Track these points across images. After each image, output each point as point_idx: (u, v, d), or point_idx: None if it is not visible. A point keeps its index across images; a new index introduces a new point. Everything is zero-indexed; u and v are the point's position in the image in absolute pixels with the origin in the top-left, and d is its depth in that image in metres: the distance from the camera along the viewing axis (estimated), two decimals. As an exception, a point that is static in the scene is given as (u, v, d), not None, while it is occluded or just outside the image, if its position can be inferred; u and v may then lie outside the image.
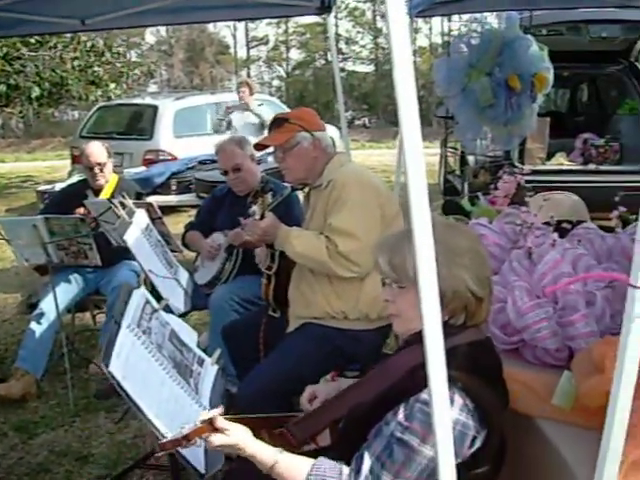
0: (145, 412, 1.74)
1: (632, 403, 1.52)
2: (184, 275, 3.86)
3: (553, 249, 2.58)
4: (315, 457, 1.80)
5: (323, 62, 33.11)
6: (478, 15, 4.82)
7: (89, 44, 11.82)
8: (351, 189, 2.85)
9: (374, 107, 30.36)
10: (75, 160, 9.36)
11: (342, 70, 31.46)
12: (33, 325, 4.27)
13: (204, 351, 2.44)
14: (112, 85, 12.35)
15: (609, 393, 1.54)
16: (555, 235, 2.76)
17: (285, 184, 3.75)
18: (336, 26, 31.39)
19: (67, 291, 4.46)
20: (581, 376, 2.07)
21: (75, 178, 6.58)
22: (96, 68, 11.99)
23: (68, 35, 10.90)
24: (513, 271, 2.63)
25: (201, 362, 2.24)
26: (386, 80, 32.63)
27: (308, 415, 2.01)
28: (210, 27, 32.06)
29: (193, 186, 7.53)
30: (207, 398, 2.12)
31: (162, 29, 30.21)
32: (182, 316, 3.23)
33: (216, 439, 1.70)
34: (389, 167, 11.86)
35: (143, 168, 8.66)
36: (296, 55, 35.28)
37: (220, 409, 1.73)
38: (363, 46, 33.56)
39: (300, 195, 3.66)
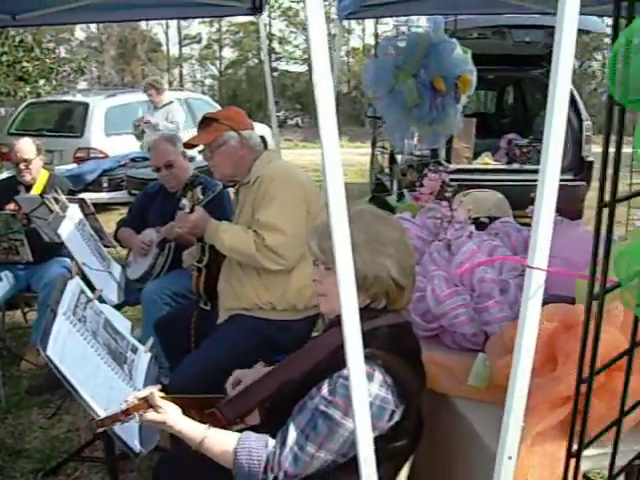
0: (81, 394, 1.81)
1: (533, 381, 1.67)
2: (117, 269, 3.90)
3: (470, 240, 2.74)
4: None
5: (256, 61, 33.14)
6: (407, 18, 4.99)
7: (17, 39, 11.60)
8: (278, 185, 2.96)
9: (307, 107, 30.54)
10: (3, 157, 9.21)
11: (275, 70, 31.52)
12: (-37, 323, 4.25)
13: (138, 342, 2.51)
14: (41, 81, 12.16)
15: None
16: (472, 227, 2.93)
17: (216, 182, 3.85)
18: (269, 26, 31.44)
19: (-3, 288, 4.43)
20: (494, 357, 2.23)
21: (4, 174, 6.50)
22: (25, 64, 11.79)
23: (-4, 30, 10.70)
24: (433, 262, 2.78)
25: (134, 350, 2.32)
26: (319, 80, 32.84)
27: (238, 395, 2.10)
28: (142, 24, 31.67)
29: (125, 183, 7.53)
30: (141, 384, 2.19)
31: (92, 25, 29.73)
32: (115, 309, 3.28)
33: (150, 416, 1.79)
34: (321, 167, 12.01)
35: (74, 165, 8.59)
36: (229, 54, 35.27)
37: (156, 387, 1.82)
38: (296, 46, 33.76)
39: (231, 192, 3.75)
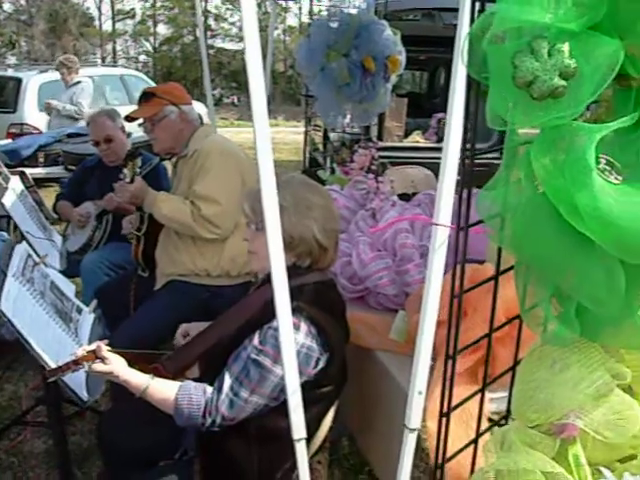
0: (34, 346, 1.95)
1: (445, 332, 1.87)
2: (58, 238, 3.98)
3: (393, 209, 2.95)
4: None
5: (192, 38, 32.75)
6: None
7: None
8: (214, 158, 3.11)
9: (243, 85, 30.43)
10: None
11: (211, 47, 31.18)
12: None
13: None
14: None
15: (439, 322, 1.88)
16: (396, 198, 3.14)
17: (153, 156, 3.97)
18: (205, 2, 31.06)
19: None
20: (412, 314, 2.44)
21: None
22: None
23: None
24: (358, 229, 2.99)
25: (79, 311, 2.45)
26: (255, 59, 32.69)
27: (178, 350, 2.27)
28: (74, -3, 31.04)
29: (61, 158, 7.50)
30: (86, 342, 2.33)
31: (21, -4, 28.92)
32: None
33: (98, 367, 1.94)
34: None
35: (9, 140, 8.49)
36: (164, 30, 34.74)
37: (104, 341, 1.97)
38: (232, 23, 33.50)
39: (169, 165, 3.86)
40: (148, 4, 33.74)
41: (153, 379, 2.03)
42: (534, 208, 0.94)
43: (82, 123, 7.61)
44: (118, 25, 34.22)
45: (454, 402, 2.15)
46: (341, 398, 2.25)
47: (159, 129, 3.23)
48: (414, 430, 1.82)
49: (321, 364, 2.05)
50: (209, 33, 31.49)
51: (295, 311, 1.88)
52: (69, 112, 8.09)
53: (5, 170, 3.78)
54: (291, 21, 33.15)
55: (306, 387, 1.90)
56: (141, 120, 3.38)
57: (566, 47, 0.86)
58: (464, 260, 1.56)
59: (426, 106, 9.05)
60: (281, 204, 2.02)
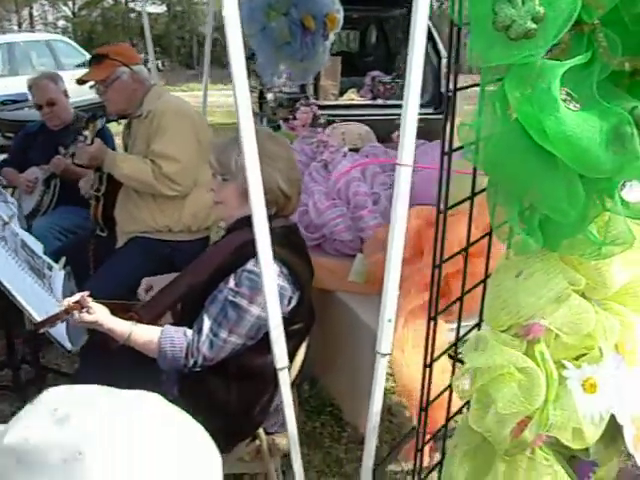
0: (21, 301, 2.05)
1: (405, 270, 2.03)
2: (13, 200, 3.98)
3: (344, 159, 3.11)
4: None
5: (112, 2, 31.95)
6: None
7: None
8: (170, 118, 3.18)
9: (167, 50, 29.96)
10: None
11: (132, 11, 30.53)
12: None
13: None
14: None
15: None
16: (346, 149, 3.29)
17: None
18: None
19: None
20: (370, 255, 2.61)
21: None
22: None
23: None
24: (312, 180, 3.13)
25: (50, 268, 2.53)
26: (178, 22, 32.22)
27: (151, 300, 2.37)
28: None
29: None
30: (60, 297, 2.42)
31: None
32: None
33: (84, 316, 2.03)
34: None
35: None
36: (83, -7, 33.72)
37: (86, 292, 2.06)
38: (154, -14, 32.74)
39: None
40: (65, -34, 32.71)
41: (135, 325, 2.13)
42: (507, 133, 1.10)
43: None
44: (34, -11, 33.09)
45: (413, 334, 2.35)
46: (310, 336, 2.41)
47: (112, 91, 3.28)
48: (385, 355, 2.00)
49: (293, 302, 2.20)
50: (130, -4, 30.81)
51: None
52: None
53: None
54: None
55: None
56: (92, 83, 3.43)
57: (537, -4, 1.03)
58: (444, 237, 1.70)
59: (359, 65, 9.16)
60: None
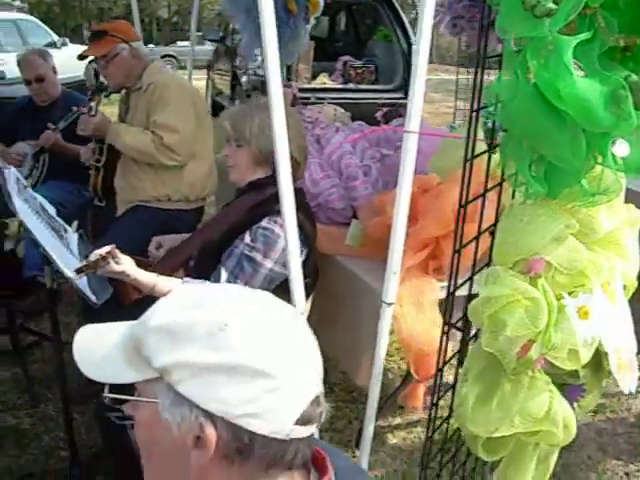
0: (51, 255, 2.21)
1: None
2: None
3: (337, 134, 3.32)
4: None
5: (67, -17, 31.60)
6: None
7: None
8: (172, 91, 3.36)
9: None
10: None
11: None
12: None
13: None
14: None
15: (390, 225, 2.26)
16: (339, 124, 3.51)
17: (84, 96, 4.16)
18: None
19: None
20: (366, 220, 2.84)
21: None
22: None
23: None
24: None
25: (65, 230, 2.68)
26: (140, 5, 31.96)
27: (167, 254, 2.55)
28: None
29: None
30: (78, 256, 2.58)
31: None
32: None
33: (114, 267, 2.18)
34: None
35: None
36: (40, -27, 33.25)
37: (113, 245, 2.22)
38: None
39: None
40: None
41: (158, 277, 2.28)
42: (525, 95, 1.33)
43: None
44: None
45: (410, 290, 2.57)
46: (315, 292, 2.61)
47: (112, 66, 3.43)
48: (390, 304, 2.22)
49: (302, 257, 2.38)
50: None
51: (279, 213, 2.19)
52: None
53: None
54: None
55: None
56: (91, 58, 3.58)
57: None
58: (463, 227, 1.92)
59: (329, 50, 9.35)
60: (260, 123, 2.35)
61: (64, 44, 11.79)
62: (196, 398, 0.86)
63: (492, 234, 1.94)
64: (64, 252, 2.44)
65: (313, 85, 7.80)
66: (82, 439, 2.95)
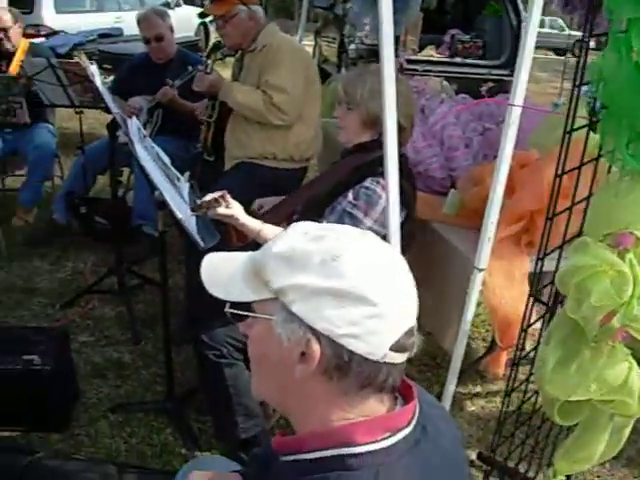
0: (167, 199, 2.39)
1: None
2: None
3: (442, 105, 3.39)
4: None
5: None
6: None
7: None
8: (285, 52, 3.50)
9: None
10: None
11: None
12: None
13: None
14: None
15: (487, 196, 2.34)
16: (444, 95, 3.57)
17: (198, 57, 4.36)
18: None
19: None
20: (464, 190, 2.91)
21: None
22: None
23: None
24: (411, 122, 3.41)
25: (178, 179, 2.85)
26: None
27: (274, 208, 2.68)
28: None
29: (96, 58, 7.70)
30: (189, 204, 2.75)
31: None
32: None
33: (224, 210, 2.30)
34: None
35: (43, 39, 8.62)
36: None
37: (225, 191, 2.35)
38: None
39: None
40: None
41: (264, 224, 2.38)
42: (628, 74, 1.39)
43: None
44: None
45: (500, 261, 2.64)
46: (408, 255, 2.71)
47: (230, 26, 3.60)
48: (482, 270, 2.30)
49: (401, 218, 2.45)
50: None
51: (382, 174, 2.30)
52: None
53: (84, 58, 3.90)
54: None
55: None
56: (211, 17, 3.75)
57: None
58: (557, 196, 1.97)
59: (437, 22, 9.28)
60: (372, 89, 2.45)
61: (177, 5, 12.11)
62: (306, 317, 0.98)
63: (584, 211, 1.99)
64: (177, 198, 2.62)
65: (420, 57, 7.80)
66: (177, 377, 3.13)
